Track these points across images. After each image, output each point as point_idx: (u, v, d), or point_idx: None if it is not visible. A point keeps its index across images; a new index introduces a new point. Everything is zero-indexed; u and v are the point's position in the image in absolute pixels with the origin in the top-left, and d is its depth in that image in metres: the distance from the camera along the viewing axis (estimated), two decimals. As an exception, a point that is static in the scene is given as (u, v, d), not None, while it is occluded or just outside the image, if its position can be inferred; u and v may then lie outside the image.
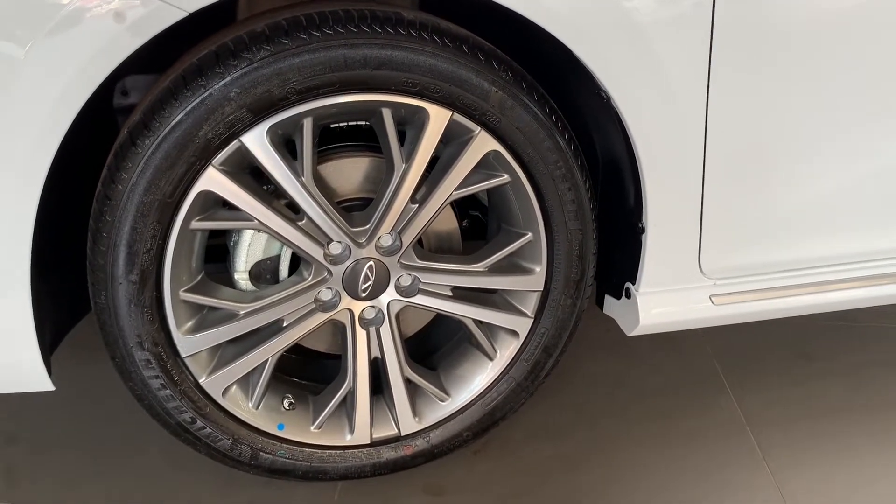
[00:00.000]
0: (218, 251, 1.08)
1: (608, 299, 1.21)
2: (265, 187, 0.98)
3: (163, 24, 0.81)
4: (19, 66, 0.80)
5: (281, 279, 1.06)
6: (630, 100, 0.98)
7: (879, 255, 1.25)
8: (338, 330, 1.09)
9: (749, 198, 1.11)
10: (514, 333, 1.12)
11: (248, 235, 1.03)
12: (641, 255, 1.10)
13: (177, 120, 0.87)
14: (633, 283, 1.14)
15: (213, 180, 0.91)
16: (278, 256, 1.05)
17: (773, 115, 1.06)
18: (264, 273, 1.05)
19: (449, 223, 1.14)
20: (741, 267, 1.17)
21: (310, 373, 1.16)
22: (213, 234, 1.05)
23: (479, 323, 1.11)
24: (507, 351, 1.13)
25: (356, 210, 1.04)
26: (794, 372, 1.44)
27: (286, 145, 0.95)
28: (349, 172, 1.06)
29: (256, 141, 0.91)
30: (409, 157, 0.97)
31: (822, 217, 1.18)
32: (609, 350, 1.46)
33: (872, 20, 1.05)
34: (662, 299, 1.14)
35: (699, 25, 0.95)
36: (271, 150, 0.92)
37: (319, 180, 1.01)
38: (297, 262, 1.05)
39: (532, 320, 1.11)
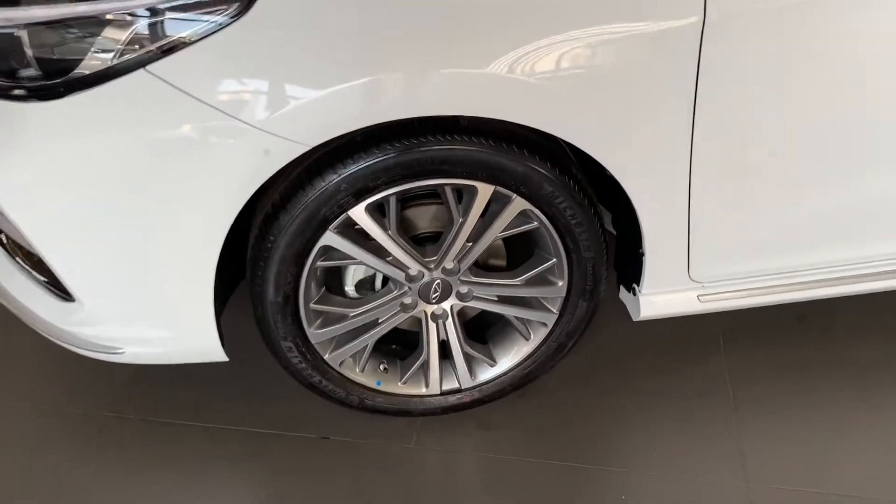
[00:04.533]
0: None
1: (622, 291, 1.59)
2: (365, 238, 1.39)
3: (294, 155, 1.20)
4: (214, 177, 1.22)
5: (376, 290, 1.49)
6: (623, 171, 1.31)
7: (849, 262, 1.56)
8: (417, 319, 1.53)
9: (725, 229, 1.44)
10: (544, 324, 1.53)
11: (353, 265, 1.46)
12: (643, 270, 1.47)
13: (306, 204, 1.28)
14: (638, 286, 1.51)
15: (330, 238, 1.32)
16: (374, 276, 1.48)
17: (744, 171, 1.37)
18: (365, 284, 1.49)
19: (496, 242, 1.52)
20: (723, 275, 1.52)
21: (397, 339, 1.62)
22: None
23: (517, 316, 1.53)
24: (538, 336, 1.55)
25: (429, 240, 1.45)
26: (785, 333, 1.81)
27: (378, 208, 1.35)
28: (424, 215, 1.45)
29: (358, 213, 1.30)
30: (464, 213, 1.36)
31: (789, 238, 1.50)
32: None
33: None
34: (658, 299, 1.52)
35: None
36: (368, 217, 1.32)
37: (403, 221, 1.41)
38: (387, 277, 1.48)
39: (557, 316, 1.51)
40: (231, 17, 1.13)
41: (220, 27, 1.13)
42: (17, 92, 1.22)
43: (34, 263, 1.47)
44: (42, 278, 1.46)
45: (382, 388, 1.56)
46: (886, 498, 1.46)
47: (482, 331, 1.63)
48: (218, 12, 1.13)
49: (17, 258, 1.50)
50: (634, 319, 1.56)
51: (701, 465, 1.53)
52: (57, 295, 1.44)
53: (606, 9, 1.18)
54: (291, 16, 1.14)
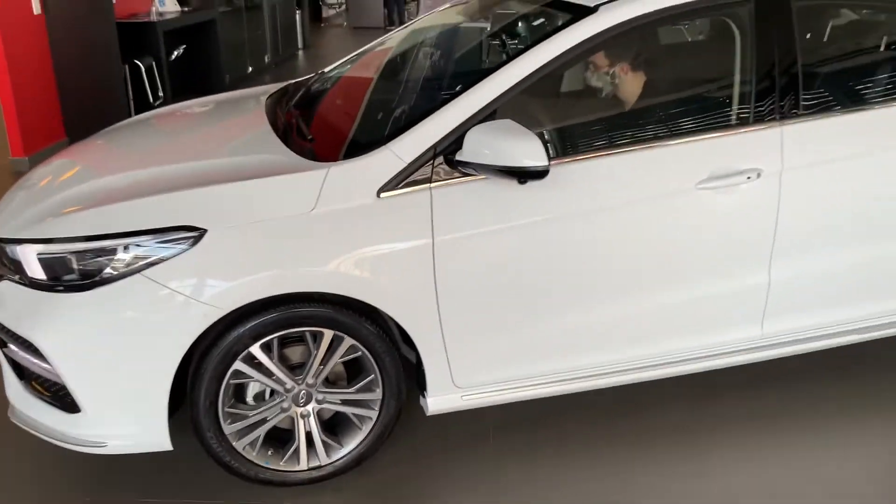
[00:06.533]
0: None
1: (420, 397, 2.61)
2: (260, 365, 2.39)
3: (220, 316, 2.23)
4: (164, 333, 2.21)
5: (266, 398, 2.46)
6: (405, 321, 2.39)
7: (574, 369, 2.63)
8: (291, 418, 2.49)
9: (468, 354, 2.50)
10: (370, 418, 2.52)
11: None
12: (426, 381, 2.51)
13: (225, 344, 2.28)
14: (425, 392, 2.54)
15: (238, 365, 2.31)
16: (264, 390, 2.46)
17: (476, 319, 2.47)
18: (259, 397, 2.46)
19: (339, 365, 2.54)
20: (476, 382, 2.56)
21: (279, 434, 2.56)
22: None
23: (354, 413, 2.52)
24: (367, 426, 2.53)
25: (298, 367, 2.45)
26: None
27: (267, 346, 2.36)
28: (295, 351, 2.47)
29: (255, 349, 2.31)
30: (317, 348, 2.39)
31: (517, 356, 2.57)
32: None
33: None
34: (438, 399, 2.54)
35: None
36: (261, 352, 2.33)
37: (282, 356, 2.41)
38: (273, 390, 2.45)
39: (378, 412, 2.51)
40: (189, 246, 2.20)
41: (183, 251, 2.20)
42: (58, 288, 2.23)
43: (49, 393, 2.38)
44: (52, 401, 2.37)
45: (270, 465, 2.48)
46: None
47: (334, 424, 2.59)
48: (181, 244, 2.20)
49: (35, 390, 2.41)
50: (427, 414, 2.57)
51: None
52: (64, 409, 2.33)
53: (383, 235, 2.32)
54: (219, 246, 2.22)
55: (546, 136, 2.49)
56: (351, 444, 2.54)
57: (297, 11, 11.47)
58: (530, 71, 2.37)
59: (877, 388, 3.03)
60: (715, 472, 2.61)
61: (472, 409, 2.59)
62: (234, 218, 2.24)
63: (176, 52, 7.31)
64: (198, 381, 2.31)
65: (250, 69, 9.08)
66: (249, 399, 2.47)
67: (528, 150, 2.20)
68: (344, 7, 15.90)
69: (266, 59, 9.79)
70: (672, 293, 2.58)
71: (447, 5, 3.56)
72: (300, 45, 11.57)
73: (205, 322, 2.23)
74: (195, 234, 2.20)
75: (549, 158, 2.22)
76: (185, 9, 7.83)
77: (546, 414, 2.88)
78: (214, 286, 2.21)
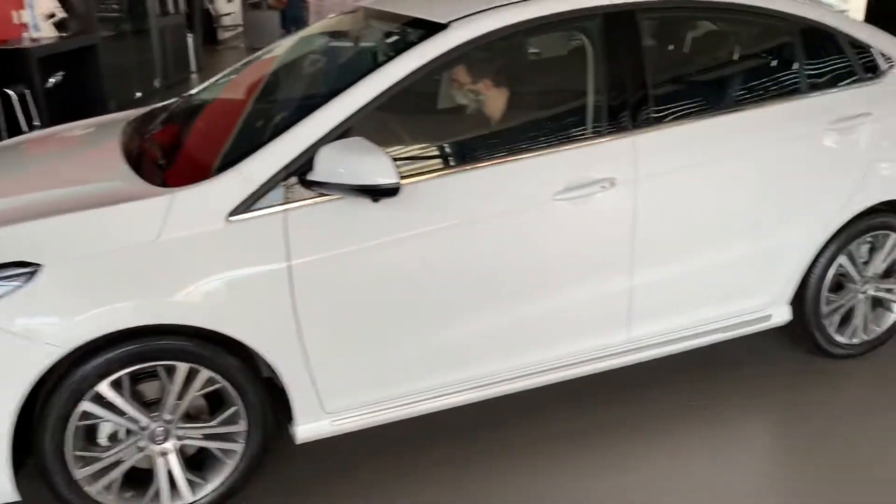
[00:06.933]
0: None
1: (289, 426, 2.54)
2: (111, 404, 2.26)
3: (63, 353, 2.10)
4: (17, 367, 2.07)
5: (120, 438, 2.33)
6: (265, 351, 2.32)
7: (447, 385, 2.60)
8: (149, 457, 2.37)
9: (336, 379, 2.45)
10: (236, 451, 2.42)
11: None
12: (293, 409, 2.44)
13: (69, 384, 2.15)
14: (293, 420, 2.47)
15: (86, 406, 2.18)
16: (119, 430, 2.33)
17: (339, 349, 2.42)
18: (114, 437, 2.33)
19: (200, 399, 2.44)
20: (346, 406, 2.50)
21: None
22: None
23: (218, 448, 2.42)
24: (234, 459, 2.43)
25: (155, 403, 2.34)
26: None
27: (118, 383, 2.24)
28: (152, 386, 2.35)
29: (103, 388, 2.19)
30: (173, 382, 2.28)
31: (387, 377, 2.53)
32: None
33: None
34: (307, 427, 2.47)
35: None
36: (110, 390, 2.20)
37: (137, 393, 2.30)
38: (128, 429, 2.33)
39: (244, 445, 2.42)
40: (23, 283, 2.07)
41: (17, 288, 2.06)
42: None
43: None
44: None
45: (130, 508, 2.36)
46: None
47: (199, 460, 2.48)
48: (15, 281, 2.07)
49: None
50: (297, 443, 2.49)
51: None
52: None
53: (235, 261, 2.24)
54: (56, 281, 2.09)
55: (403, 154, 2.47)
56: (217, 480, 2.44)
57: (190, 34, 11.20)
58: (382, 88, 2.36)
59: (735, 386, 3.15)
60: (596, 477, 2.64)
61: (346, 434, 2.53)
62: (72, 251, 2.13)
63: (53, 80, 6.98)
64: (42, 424, 2.17)
65: (138, 94, 8.79)
66: (103, 440, 2.34)
67: (378, 167, 2.18)
68: (241, 28, 15.63)
69: (156, 84, 9.50)
70: (536, 303, 2.60)
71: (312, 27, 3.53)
72: (193, 68, 11.29)
73: (44, 362, 2.10)
74: (29, 269, 2.08)
75: (400, 176, 2.21)
76: (63, 34, 7.51)
77: (421, 433, 2.84)
78: (53, 324, 2.09)
